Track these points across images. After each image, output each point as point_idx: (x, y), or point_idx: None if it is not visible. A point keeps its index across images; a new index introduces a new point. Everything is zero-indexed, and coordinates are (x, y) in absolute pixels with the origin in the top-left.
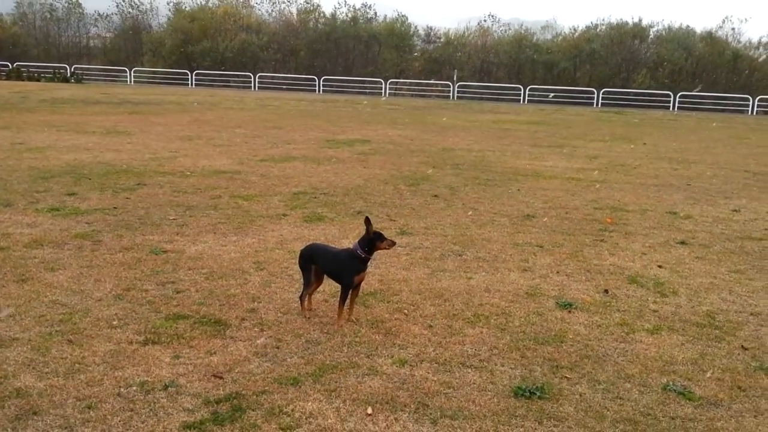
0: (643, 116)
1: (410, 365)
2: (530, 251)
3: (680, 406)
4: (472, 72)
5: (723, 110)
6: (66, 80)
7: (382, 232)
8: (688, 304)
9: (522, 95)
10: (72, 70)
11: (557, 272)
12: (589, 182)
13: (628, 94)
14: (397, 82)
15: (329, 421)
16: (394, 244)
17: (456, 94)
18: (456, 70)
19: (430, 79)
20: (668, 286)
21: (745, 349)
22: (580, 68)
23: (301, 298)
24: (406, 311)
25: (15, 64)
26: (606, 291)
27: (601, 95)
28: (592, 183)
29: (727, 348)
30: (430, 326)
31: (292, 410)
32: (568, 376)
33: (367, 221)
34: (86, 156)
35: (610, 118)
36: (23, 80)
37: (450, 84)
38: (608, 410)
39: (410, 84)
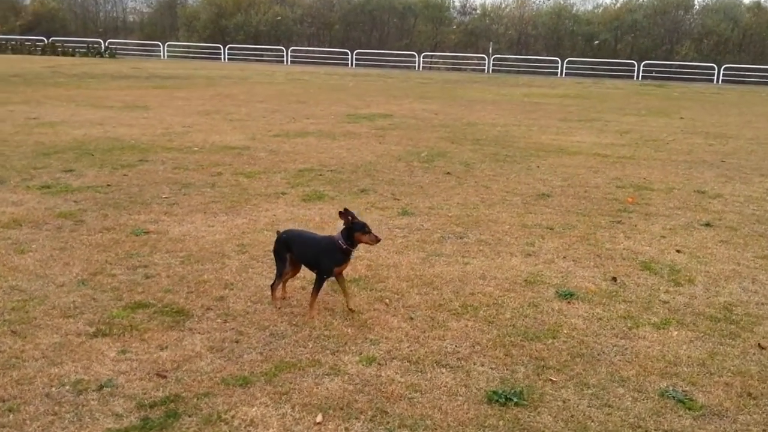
0: (684, 89)
1: (378, 364)
2: (538, 234)
3: (678, 416)
4: (509, 44)
5: None
6: (100, 55)
7: (366, 224)
8: (704, 295)
9: (559, 68)
10: (106, 44)
11: (563, 257)
12: (615, 159)
13: (670, 66)
14: (431, 56)
15: (270, 430)
16: (377, 240)
17: (491, 68)
18: (492, 43)
19: (465, 52)
20: (684, 274)
21: (762, 348)
22: (621, 40)
23: (273, 286)
24: (388, 300)
25: (51, 39)
26: (614, 279)
27: (642, 67)
28: (619, 159)
29: (741, 346)
30: (411, 318)
31: (233, 417)
32: (553, 378)
33: (343, 214)
34: (97, 131)
35: (649, 92)
36: (58, 55)
37: (485, 57)
38: (593, 420)
39: (445, 57)
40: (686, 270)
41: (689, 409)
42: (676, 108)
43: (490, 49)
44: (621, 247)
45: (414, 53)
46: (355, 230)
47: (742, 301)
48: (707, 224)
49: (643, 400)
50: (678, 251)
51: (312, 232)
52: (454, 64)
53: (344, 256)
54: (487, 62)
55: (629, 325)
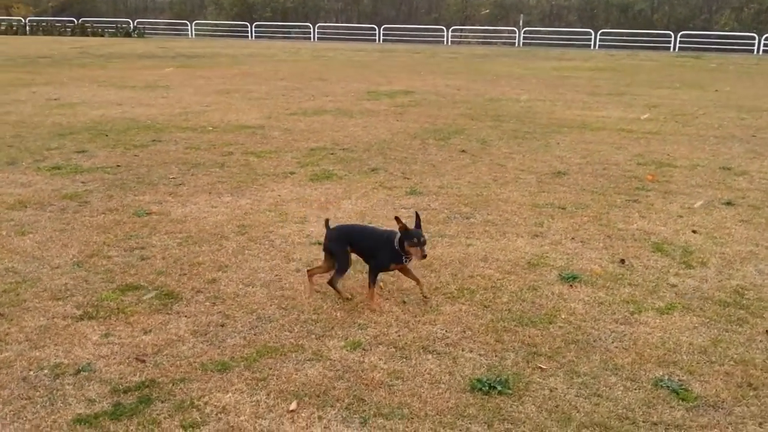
0: (721, 61)
1: (363, 349)
2: (548, 213)
3: (670, 407)
4: (541, 17)
5: None
6: (128, 35)
7: (420, 237)
8: (716, 278)
9: (593, 40)
10: (135, 24)
11: (572, 238)
12: (640, 134)
13: (708, 36)
14: (460, 30)
15: (241, 417)
16: (422, 257)
17: (522, 41)
18: (522, 15)
19: (496, 26)
20: (697, 256)
21: None
22: (658, 10)
23: (333, 283)
24: (382, 283)
25: (80, 19)
26: (622, 261)
27: (678, 38)
28: (644, 135)
29: (748, 333)
30: (404, 302)
31: (205, 403)
32: (543, 366)
33: (397, 219)
34: (115, 111)
35: (684, 63)
36: (87, 36)
37: (515, 30)
38: (578, 411)
39: (474, 31)
40: (700, 251)
41: (683, 399)
42: (711, 80)
43: (521, 21)
44: (634, 228)
45: (442, 27)
46: (405, 238)
47: (756, 284)
48: (729, 203)
49: (636, 389)
50: (694, 231)
51: (370, 226)
52: (484, 38)
53: (399, 257)
54: (517, 35)
55: (631, 309)
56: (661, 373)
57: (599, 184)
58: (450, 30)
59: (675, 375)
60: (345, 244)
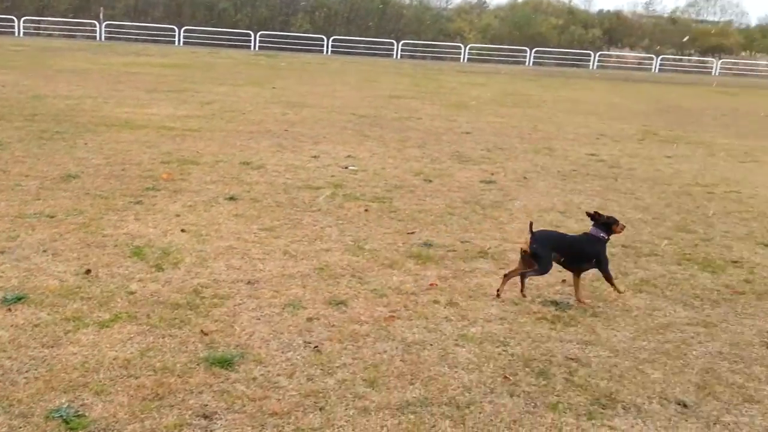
0: (293, 60)
1: None
2: (31, 224)
3: None
4: (126, 11)
5: (373, 54)
6: None
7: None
8: (182, 278)
9: (177, 36)
10: None
11: (44, 251)
12: (180, 131)
13: (285, 37)
14: (38, 21)
15: None
16: (623, 228)
17: (104, 35)
18: (102, 9)
19: (77, 18)
20: (174, 256)
21: (205, 334)
22: (241, 9)
23: (520, 276)
24: None
25: None
26: (88, 271)
27: (258, 38)
28: (183, 132)
29: (184, 336)
30: None
31: None
32: None
33: (598, 214)
34: None
35: (258, 62)
36: None
37: (96, 24)
38: None
39: (55, 23)
40: (179, 252)
41: (73, 429)
42: (275, 78)
43: (101, 15)
44: (122, 232)
45: (13, 17)
46: (611, 223)
47: (219, 281)
48: (232, 198)
49: (22, 427)
50: (183, 231)
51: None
52: (66, 30)
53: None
54: (98, 29)
55: (69, 328)
56: (63, 401)
57: (109, 187)
58: (22, 21)
59: (79, 400)
60: (551, 249)
